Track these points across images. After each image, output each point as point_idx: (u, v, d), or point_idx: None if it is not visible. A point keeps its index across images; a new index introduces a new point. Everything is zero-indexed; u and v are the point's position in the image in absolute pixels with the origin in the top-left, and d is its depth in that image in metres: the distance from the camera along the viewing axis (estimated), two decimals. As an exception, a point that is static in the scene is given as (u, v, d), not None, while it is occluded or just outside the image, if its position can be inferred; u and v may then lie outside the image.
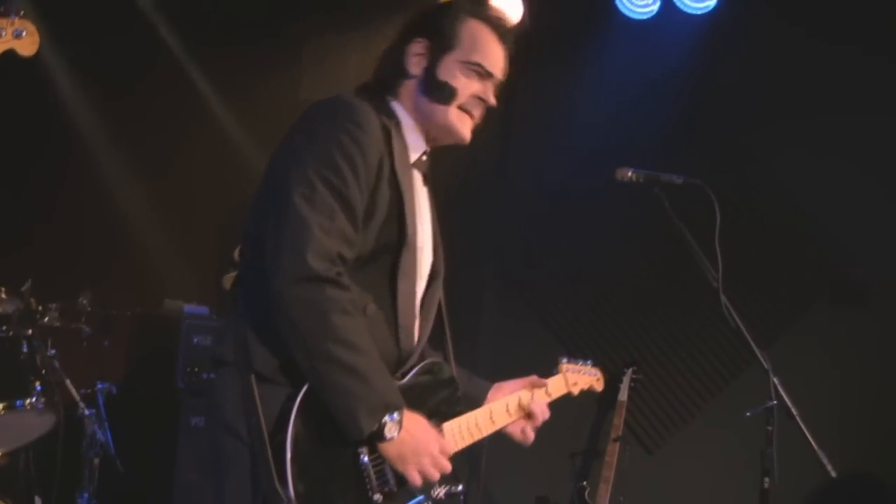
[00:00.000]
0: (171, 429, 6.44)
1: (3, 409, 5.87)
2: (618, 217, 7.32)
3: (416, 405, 3.03)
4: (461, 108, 3.25)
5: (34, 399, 5.96)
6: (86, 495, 6.11)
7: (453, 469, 3.11)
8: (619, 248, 7.57)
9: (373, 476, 2.92)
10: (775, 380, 4.08)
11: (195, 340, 6.61)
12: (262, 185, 3.09)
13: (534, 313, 7.83)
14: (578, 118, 7.72)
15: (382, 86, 3.25)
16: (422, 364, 3.20)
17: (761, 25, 7.26)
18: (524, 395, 3.68)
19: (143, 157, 8.87)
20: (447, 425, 3.23)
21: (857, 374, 6.87)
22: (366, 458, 2.89)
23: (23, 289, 6.25)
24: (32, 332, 6.18)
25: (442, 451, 3.04)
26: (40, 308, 6.35)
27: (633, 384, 7.03)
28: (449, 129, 3.27)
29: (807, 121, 7.10)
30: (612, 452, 6.73)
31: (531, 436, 3.63)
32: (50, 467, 6.60)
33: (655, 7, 7.51)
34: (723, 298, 4.22)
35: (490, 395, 3.61)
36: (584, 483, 6.90)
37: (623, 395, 6.92)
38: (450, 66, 3.22)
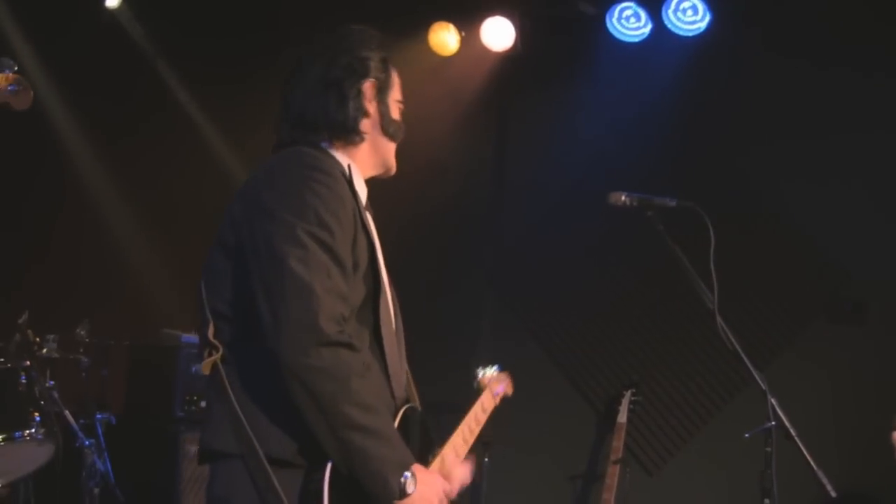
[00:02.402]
0: (171, 457, 6.43)
1: (3, 440, 5.86)
2: (613, 239, 7.33)
3: (413, 448, 2.99)
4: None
5: (33, 430, 5.95)
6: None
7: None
8: (615, 269, 7.59)
9: None
10: (773, 400, 4.08)
11: (193, 369, 6.58)
12: (221, 256, 3.00)
13: (530, 337, 7.84)
14: (571, 140, 7.74)
15: (345, 130, 3.18)
16: (404, 407, 3.12)
17: (752, 46, 7.30)
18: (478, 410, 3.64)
19: (139, 188, 8.88)
20: (445, 451, 3.21)
21: (854, 393, 6.88)
22: None
23: (20, 321, 6.26)
24: (30, 363, 6.18)
25: (448, 495, 3.03)
26: (38, 339, 6.36)
27: (632, 406, 7.03)
28: (391, 165, 3.35)
29: (801, 140, 7.13)
30: (612, 475, 6.72)
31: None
32: (50, 498, 6.60)
33: (647, 30, 7.53)
34: (719, 320, 4.22)
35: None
36: (585, 506, 6.91)
37: (622, 417, 6.92)
38: (392, 105, 3.29)
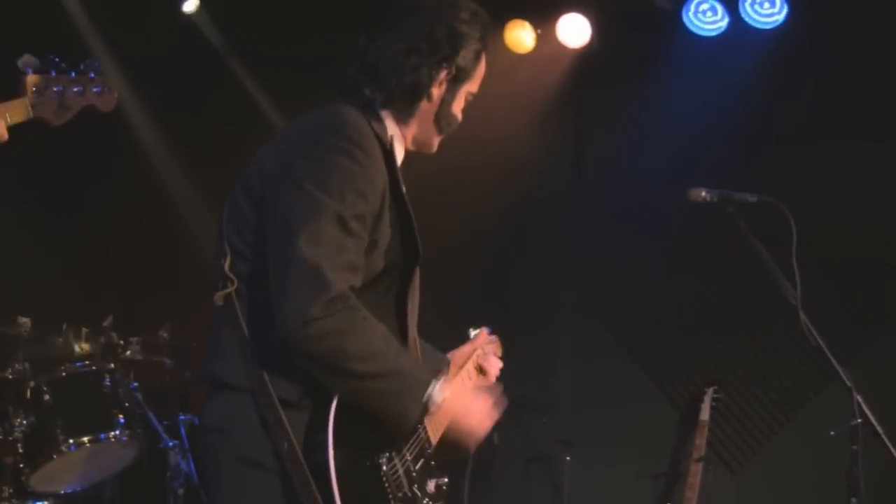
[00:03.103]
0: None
1: (88, 441, 5.96)
2: (693, 235, 7.27)
3: None
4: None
5: (118, 432, 6.05)
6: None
7: (438, 464, 3.16)
8: (695, 266, 7.53)
9: (393, 483, 2.92)
10: (859, 397, 4.03)
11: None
12: (245, 198, 3.04)
13: (612, 336, 7.81)
14: (649, 137, 7.70)
15: (385, 96, 3.14)
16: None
17: (831, 38, 7.20)
18: (476, 356, 3.66)
19: (218, 191, 8.91)
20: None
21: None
22: (385, 468, 2.91)
23: (104, 324, 6.35)
24: (114, 366, 6.27)
25: (488, 409, 3.19)
26: (122, 342, 6.44)
27: (714, 404, 6.96)
28: (430, 148, 3.33)
29: (882, 135, 7.02)
30: (695, 473, 6.66)
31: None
32: (135, 498, 6.68)
33: (724, 23, 7.47)
34: (802, 316, 4.18)
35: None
36: (668, 504, 6.87)
37: (705, 415, 6.85)
38: (459, 97, 3.24)
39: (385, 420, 2.89)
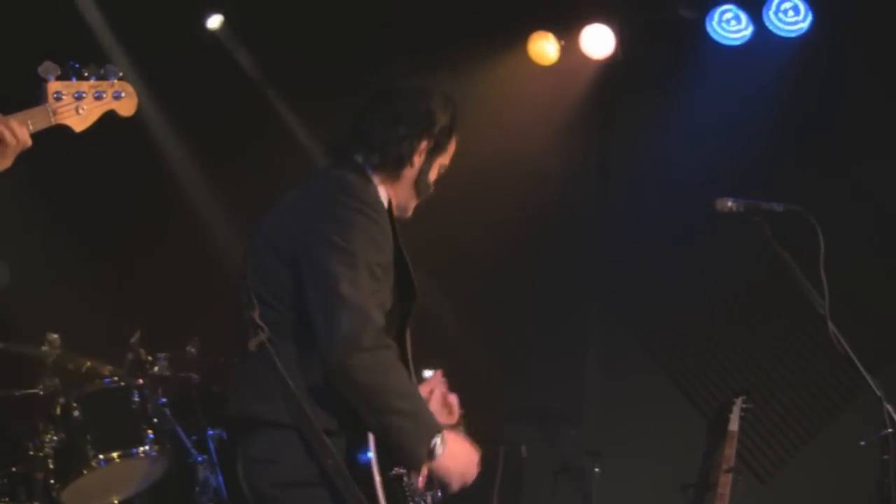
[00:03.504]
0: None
1: (118, 457, 5.99)
2: (720, 245, 7.25)
3: None
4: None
5: (147, 447, 6.07)
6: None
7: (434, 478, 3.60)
8: (722, 276, 7.51)
9: (411, 492, 3.44)
10: (889, 407, 4.01)
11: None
12: (272, 255, 3.49)
13: (640, 346, 7.79)
14: (675, 147, 7.68)
15: (391, 165, 3.64)
16: None
17: (856, 45, 7.17)
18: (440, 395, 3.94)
19: (245, 207, 8.97)
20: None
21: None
22: (405, 479, 3.42)
23: (132, 340, 6.37)
24: (143, 381, 6.30)
25: (473, 459, 3.58)
26: (150, 358, 6.47)
27: (743, 414, 6.93)
28: (407, 211, 3.78)
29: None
30: (725, 484, 6.64)
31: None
32: (164, 514, 6.70)
33: (748, 32, 7.44)
34: (830, 325, 4.17)
35: None
36: (697, 515, 6.84)
37: (734, 426, 6.83)
38: (434, 168, 3.74)
39: (400, 455, 3.38)
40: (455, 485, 3.52)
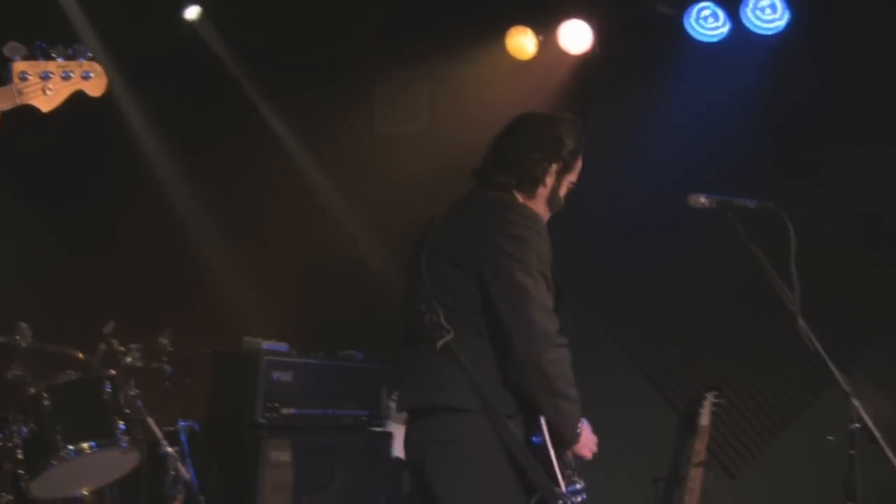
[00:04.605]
0: (253, 464, 6.48)
1: (89, 448, 5.97)
2: (694, 241, 7.27)
3: None
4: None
5: (118, 438, 6.06)
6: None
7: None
8: (695, 272, 7.52)
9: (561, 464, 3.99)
10: (857, 402, 4.02)
11: (275, 377, 6.65)
12: (449, 266, 4.03)
13: (612, 341, 7.80)
14: (651, 143, 7.69)
15: (531, 185, 4.21)
16: None
17: (833, 43, 7.19)
18: None
19: (220, 198, 8.98)
20: None
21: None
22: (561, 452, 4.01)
23: (105, 331, 6.36)
24: (115, 372, 6.29)
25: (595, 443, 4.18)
26: (122, 349, 6.45)
27: (714, 409, 6.96)
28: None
29: (885, 140, 7.01)
30: (695, 478, 6.67)
31: None
32: (135, 505, 6.69)
33: (725, 29, 7.45)
34: (800, 321, 4.19)
35: None
36: (668, 510, 6.86)
37: (705, 420, 6.86)
38: (564, 185, 4.31)
39: (565, 433, 3.98)
40: (585, 455, 4.12)
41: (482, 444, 3.87)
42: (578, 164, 4.35)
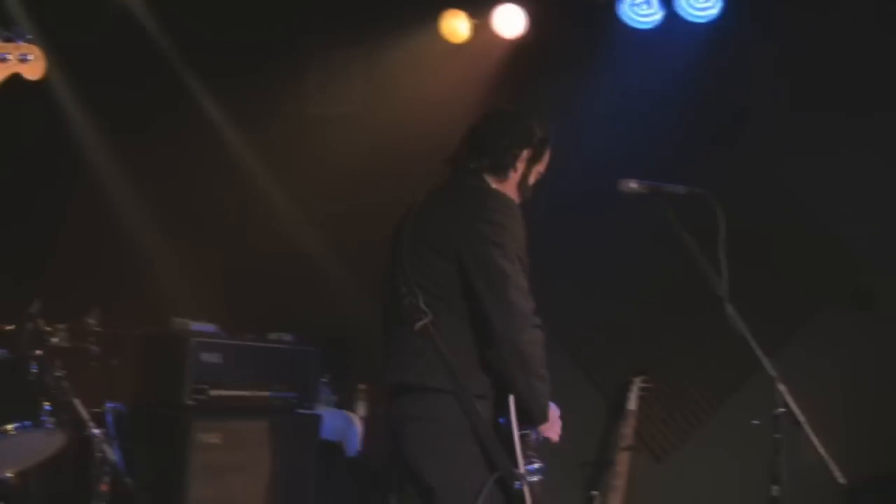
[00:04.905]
0: (181, 446, 6.43)
1: (13, 429, 5.88)
2: (624, 227, 7.31)
3: None
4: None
5: (44, 419, 5.98)
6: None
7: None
8: (625, 257, 7.56)
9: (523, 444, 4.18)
10: (782, 387, 4.07)
11: (203, 357, 6.59)
12: (430, 251, 4.24)
13: (541, 324, 7.83)
14: (583, 128, 7.70)
15: (503, 171, 4.46)
16: None
17: (765, 31, 7.26)
18: None
19: (151, 178, 8.89)
20: None
21: (864, 381, 6.86)
22: (525, 431, 4.20)
23: (31, 310, 6.27)
24: (41, 352, 6.20)
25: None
26: (48, 328, 6.36)
27: (642, 393, 7.02)
28: None
29: (813, 127, 7.09)
30: (623, 461, 6.72)
31: None
32: (60, 487, 6.61)
33: (658, 16, 7.50)
34: (728, 307, 4.23)
35: None
36: (595, 492, 6.90)
37: (632, 405, 6.91)
38: (533, 174, 4.57)
39: (534, 412, 4.19)
40: (553, 437, 4.35)
41: (451, 423, 4.08)
42: (547, 155, 4.59)
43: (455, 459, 4.13)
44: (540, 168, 4.59)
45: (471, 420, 4.07)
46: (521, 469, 4.12)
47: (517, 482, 4.09)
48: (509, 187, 4.49)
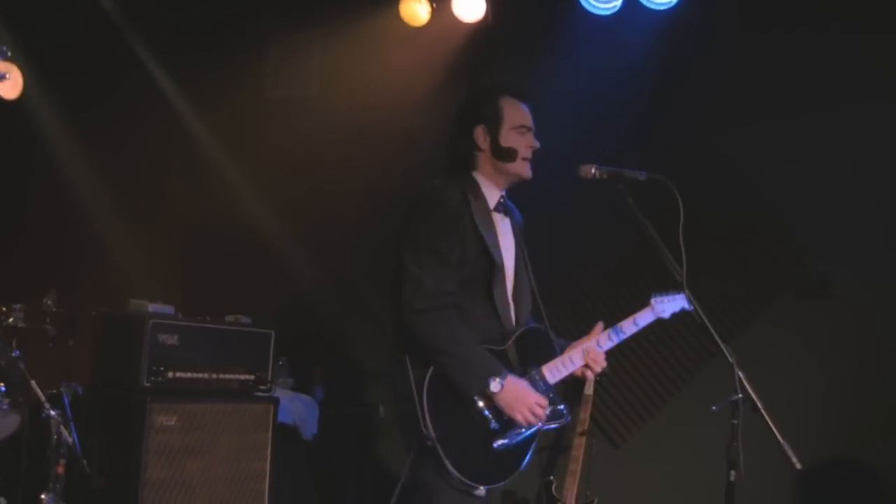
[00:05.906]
0: (138, 428, 6.40)
1: (-32, 410, 5.85)
2: (583, 212, 7.34)
3: (521, 357, 4.54)
4: (522, 158, 4.59)
5: (-1, 400, 5.95)
6: (52, 496, 6.07)
7: (559, 408, 4.58)
8: (584, 242, 7.60)
9: (488, 414, 4.32)
10: (740, 373, 4.10)
11: (160, 339, 6.55)
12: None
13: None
14: (542, 114, 7.69)
15: (463, 163, 4.59)
16: (520, 331, 4.59)
17: (726, 19, 7.29)
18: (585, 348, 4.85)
19: (108, 157, 8.84)
20: (546, 366, 4.62)
21: (820, 367, 6.93)
22: (480, 403, 4.30)
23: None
24: (-4, 333, 6.16)
25: (538, 403, 4.39)
26: (4, 308, 6.32)
27: (598, 378, 7.03)
28: (518, 175, 4.64)
29: (773, 116, 7.14)
30: (579, 446, 6.74)
31: (589, 375, 4.89)
32: (15, 469, 6.57)
33: (618, 3, 7.53)
34: (686, 293, 4.26)
35: (569, 347, 4.86)
36: (551, 477, 6.92)
37: (589, 390, 6.93)
38: (505, 135, 4.55)
39: (454, 386, 4.27)
40: (517, 417, 4.34)
41: (399, 384, 4.36)
42: (509, 110, 4.58)
43: (402, 422, 4.41)
44: (513, 123, 4.59)
45: (403, 382, 4.36)
46: (430, 431, 4.23)
47: (428, 441, 4.25)
48: (484, 168, 4.60)
